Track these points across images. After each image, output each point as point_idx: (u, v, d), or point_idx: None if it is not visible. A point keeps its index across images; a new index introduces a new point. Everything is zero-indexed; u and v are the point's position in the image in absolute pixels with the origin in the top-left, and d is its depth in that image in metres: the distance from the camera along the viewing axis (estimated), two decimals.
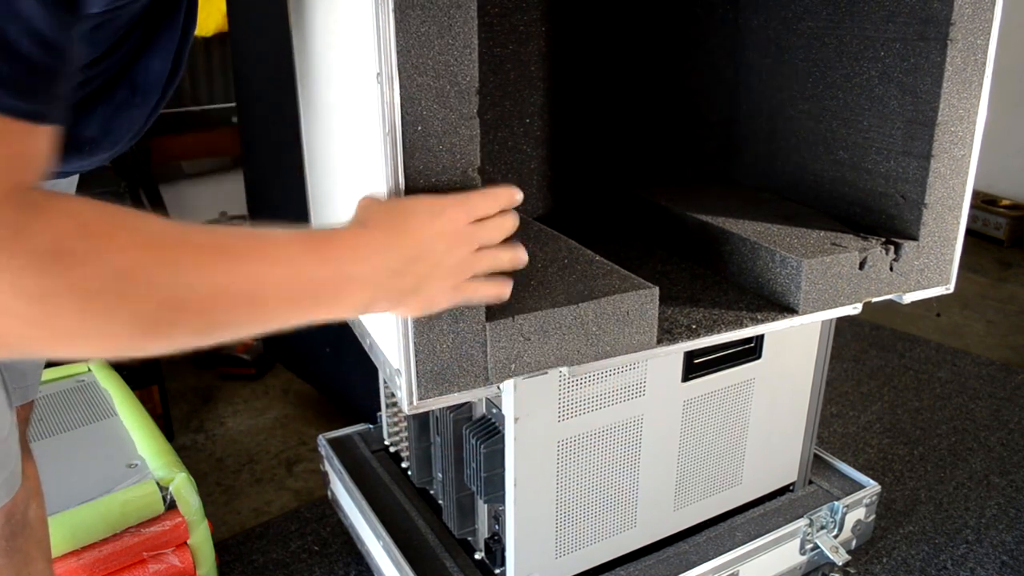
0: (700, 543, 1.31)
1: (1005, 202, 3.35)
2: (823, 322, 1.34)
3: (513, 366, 0.88)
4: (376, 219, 0.68)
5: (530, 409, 1.06)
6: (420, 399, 0.83)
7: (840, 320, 1.30)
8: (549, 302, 0.90)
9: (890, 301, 1.18)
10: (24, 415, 0.96)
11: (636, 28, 1.38)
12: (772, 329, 1.08)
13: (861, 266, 1.10)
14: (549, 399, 1.07)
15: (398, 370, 0.84)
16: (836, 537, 1.39)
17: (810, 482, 1.47)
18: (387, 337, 0.89)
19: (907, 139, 1.12)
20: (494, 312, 0.86)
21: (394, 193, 0.77)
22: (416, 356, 0.82)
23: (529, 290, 0.93)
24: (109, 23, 0.65)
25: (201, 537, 1.32)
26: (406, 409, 0.84)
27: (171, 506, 1.28)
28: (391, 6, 0.71)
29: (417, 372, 0.82)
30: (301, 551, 1.58)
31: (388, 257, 0.65)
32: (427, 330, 0.82)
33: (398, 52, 0.72)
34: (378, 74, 0.74)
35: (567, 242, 1.11)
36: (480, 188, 0.76)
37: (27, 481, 0.88)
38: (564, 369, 0.93)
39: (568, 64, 1.33)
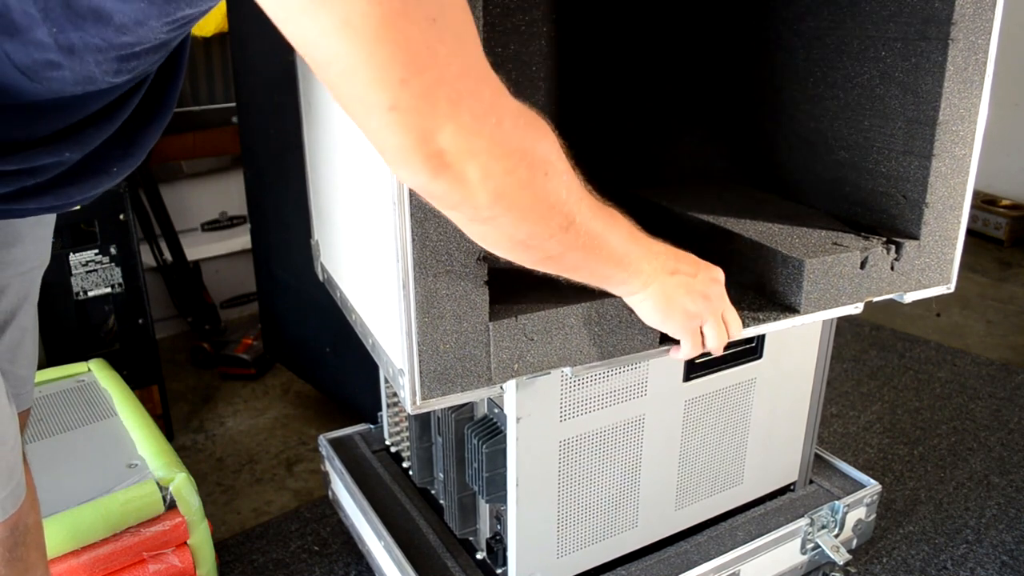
0: (701, 542, 1.31)
1: (1005, 202, 3.35)
2: (824, 322, 1.34)
3: (516, 366, 0.88)
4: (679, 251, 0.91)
5: (532, 409, 1.06)
6: (423, 399, 0.84)
7: (840, 320, 1.30)
8: (552, 302, 0.90)
9: (891, 301, 1.18)
10: (22, 422, 0.96)
11: (637, 28, 1.38)
12: (774, 329, 1.08)
13: (862, 265, 1.10)
14: (551, 399, 1.07)
15: (401, 370, 0.84)
16: (837, 536, 1.39)
17: (811, 482, 1.47)
18: (390, 337, 0.89)
19: (908, 139, 1.12)
20: (497, 312, 0.86)
21: (400, 192, 0.77)
22: (419, 356, 0.82)
23: (531, 290, 0.93)
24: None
25: (201, 537, 1.32)
26: (409, 409, 0.84)
27: (171, 506, 1.27)
28: None
29: (420, 372, 0.82)
30: (301, 551, 1.58)
31: (671, 261, 0.88)
32: (430, 330, 0.82)
33: None
34: None
35: None
36: None
37: (27, 488, 0.88)
38: (567, 369, 0.93)
39: (569, 64, 1.33)
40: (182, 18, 0.61)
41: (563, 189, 0.69)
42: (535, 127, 0.66)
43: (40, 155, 0.68)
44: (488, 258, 0.84)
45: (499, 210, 0.65)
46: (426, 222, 0.79)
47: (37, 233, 0.89)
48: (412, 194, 0.78)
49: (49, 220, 0.92)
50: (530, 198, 0.66)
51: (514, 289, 0.94)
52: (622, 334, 0.95)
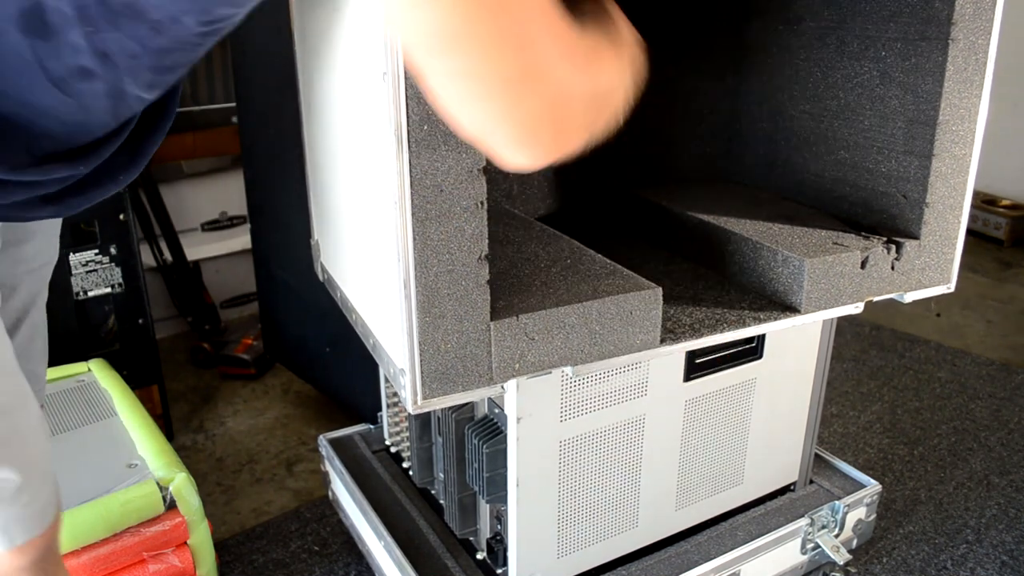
0: (701, 543, 1.31)
1: (1005, 202, 3.35)
2: (824, 322, 1.34)
3: (517, 366, 0.88)
4: None
5: (532, 409, 1.06)
6: (424, 399, 0.84)
7: (840, 320, 1.30)
8: (553, 301, 0.90)
9: (891, 301, 1.18)
10: None
11: (637, 28, 1.38)
12: (775, 328, 1.08)
13: (863, 265, 1.10)
14: (551, 399, 1.07)
15: (402, 370, 0.84)
16: (837, 536, 1.39)
17: (811, 482, 1.47)
18: (391, 337, 0.89)
19: (908, 138, 1.12)
20: (498, 311, 0.86)
21: (401, 192, 0.77)
22: (420, 356, 0.82)
23: (533, 290, 0.93)
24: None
25: (201, 537, 1.31)
26: (410, 409, 0.84)
27: (171, 506, 1.27)
28: None
29: (421, 372, 0.82)
30: (301, 551, 1.58)
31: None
32: (431, 330, 0.82)
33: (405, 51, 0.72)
34: (385, 73, 0.74)
35: (570, 242, 1.11)
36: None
37: None
38: (567, 369, 0.93)
39: None
40: (219, 18, 0.61)
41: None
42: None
43: (57, 169, 0.68)
44: (490, 258, 0.84)
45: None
46: (427, 222, 0.79)
47: (47, 229, 0.89)
48: (413, 195, 0.78)
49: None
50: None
51: (515, 288, 0.94)
52: (623, 333, 0.95)
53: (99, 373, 1.63)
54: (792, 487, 1.45)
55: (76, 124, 0.67)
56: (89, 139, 0.70)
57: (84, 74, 0.61)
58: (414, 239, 0.79)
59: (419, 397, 0.83)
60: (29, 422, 0.76)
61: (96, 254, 1.74)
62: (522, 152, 0.60)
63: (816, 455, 1.49)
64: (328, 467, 1.55)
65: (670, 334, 1.01)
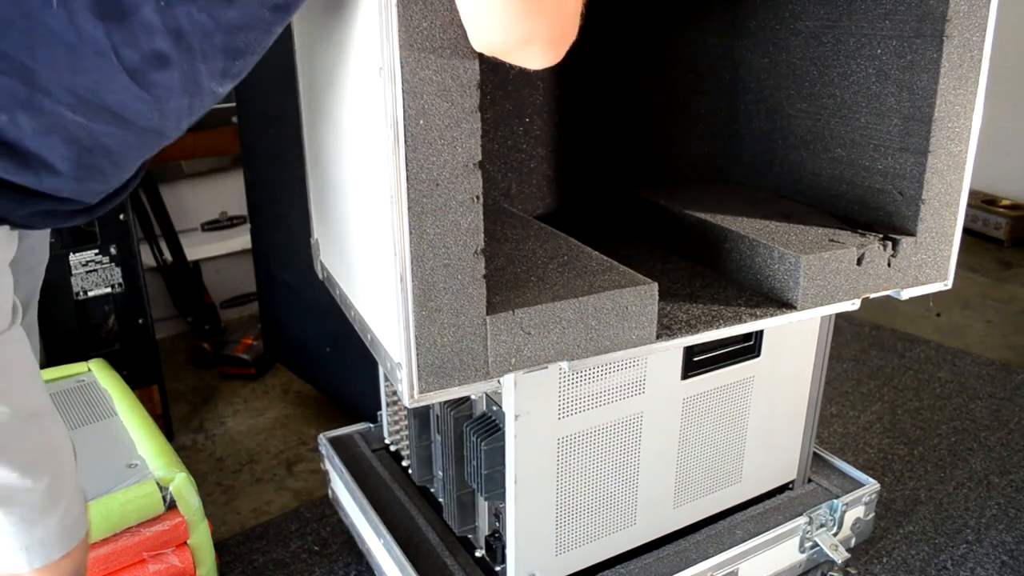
0: (700, 541, 1.31)
1: (1005, 202, 3.35)
2: (822, 320, 1.34)
3: (513, 360, 0.88)
4: None
5: (530, 406, 1.06)
6: (421, 392, 0.84)
7: (840, 320, 1.30)
8: (549, 296, 0.91)
9: (890, 301, 1.18)
10: None
11: (635, 28, 1.39)
12: (771, 324, 1.08)
13: (859, 262, 1.11)
14: (549, 396, 1.08)
15: (399, 363, 0.85)
16: (835, 535, 1.39)
17: (809, 480, 1.47)
18: (388, 331, 0.89)
19: (904, 135, 1.12)
20: (494, 305, 0.87)
21: (397, 187, 0.78)
22: (417, 349, 0.82)
23: (529, 285, 0.94)
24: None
25: (201, 537, 1.31)
26: (407, 402, 0.85)
27: (171, 506, 1.27)
28: (394, 1, 0.71)
29: (418, 365, 0.83)
30: (301, 551, 1.58)
31: None
32: (428, 323, 0.82)
33: (400, 46, 0.73)
34: (381, 68, 0.74)
35: (567, 240, 1.11)
36: None
37: None
38: (564, 364, 0.93)
39: (568, 63, 1.33)
40: None
41: None
42: None
43: (102, 190, 0.69)
44: (486, 253, 0.85)
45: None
46: (423, 216, 0.80)
47: (41, 229, 0.90)
48: (409, 190, 0.79)
49: None
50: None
51: (512, 284, 0.94)
52: (619, 328, 0.95)
53: (99, 373, 1.63)
54: (790, 485, 1.45)
55: (152, 132, 0.67)
56: (159, 149, 0.70)
57: (159, 60, 0.61)
58: (410, 233, 0.80)
59: (415, 391, 0.84)
60: (59, 430, 0.77)
61: (96, 254, 1.75)
62: (553, 53, 0.68)
63: (815, 454, 1.49)
64: (328, 466, 1.55)
65: (666, 330, 1.01)
